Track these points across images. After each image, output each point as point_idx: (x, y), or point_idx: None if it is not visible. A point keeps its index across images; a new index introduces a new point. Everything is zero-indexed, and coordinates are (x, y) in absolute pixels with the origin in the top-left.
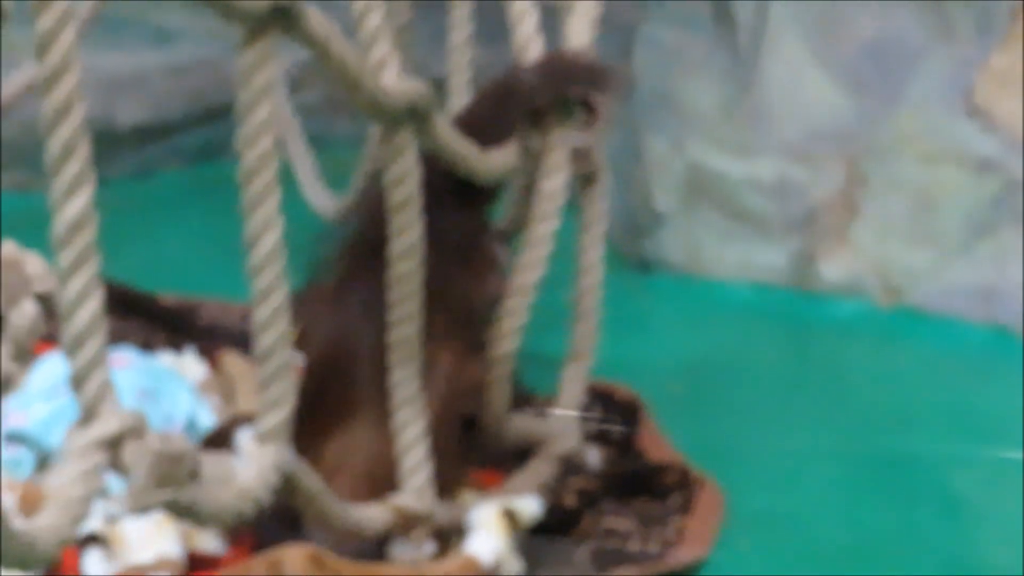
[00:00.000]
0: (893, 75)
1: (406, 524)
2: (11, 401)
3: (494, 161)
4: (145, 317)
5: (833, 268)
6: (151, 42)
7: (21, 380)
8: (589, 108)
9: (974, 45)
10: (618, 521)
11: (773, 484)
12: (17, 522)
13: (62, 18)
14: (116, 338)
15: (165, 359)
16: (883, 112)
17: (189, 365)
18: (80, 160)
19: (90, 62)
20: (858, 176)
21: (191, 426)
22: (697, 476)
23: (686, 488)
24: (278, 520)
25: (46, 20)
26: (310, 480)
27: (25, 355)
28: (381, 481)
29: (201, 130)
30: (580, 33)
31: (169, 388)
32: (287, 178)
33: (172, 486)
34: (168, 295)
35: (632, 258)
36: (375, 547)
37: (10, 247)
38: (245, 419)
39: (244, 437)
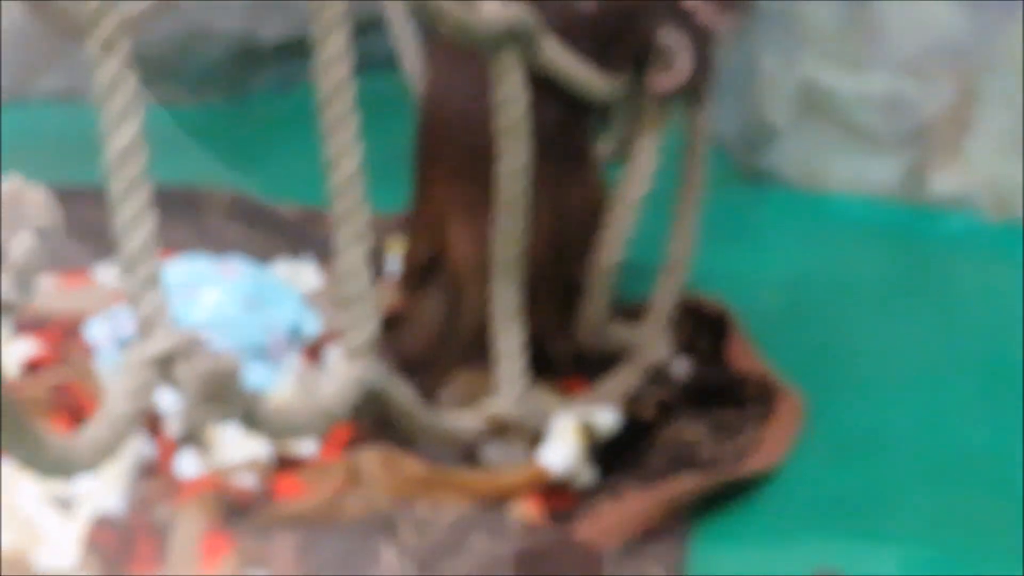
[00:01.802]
0: None
1: (499, 430)
2: (124, 312)
3: (604, 82)
4: (268, 226)
5: (943, 182)
6: None
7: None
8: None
9: None
10: (694, 430)
11: (865, 399)
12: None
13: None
14: (237, 247)
15: (282, 268)
16: (997, 27)
17: (305, 274)
18: (127, 92)
19: None
20: (970, 91)
21: (294, 333)
22: (780, 386)
23: (767, 398)
24: None
25: None
26: (400, 393)
27: (26, 285)
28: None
29: None
30: None
31: (275, 297)
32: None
33: (223, 403)
34: (291, 206)
35: (747, 171)
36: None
37: (13, 182)
38: None
39: (332, 354)
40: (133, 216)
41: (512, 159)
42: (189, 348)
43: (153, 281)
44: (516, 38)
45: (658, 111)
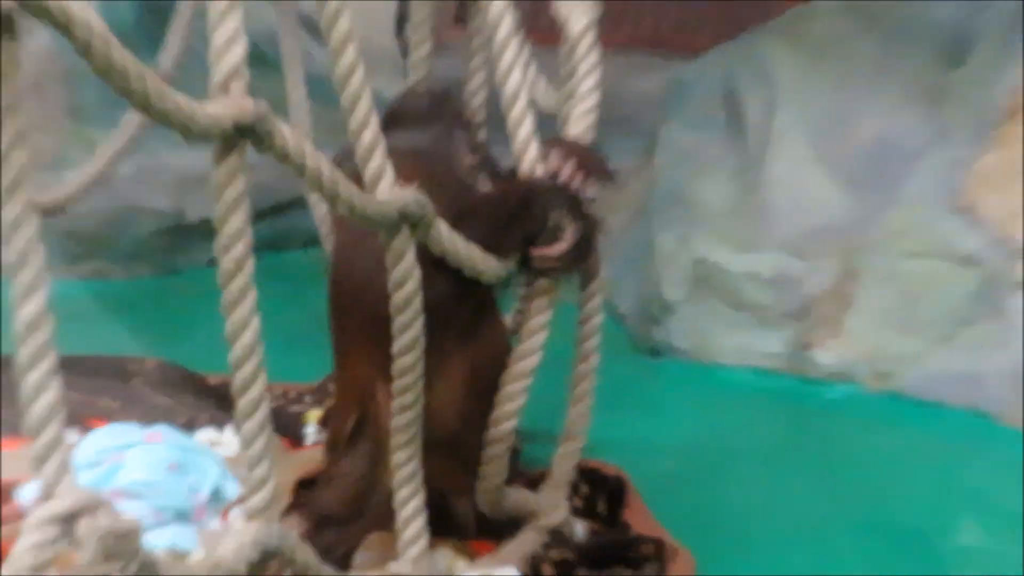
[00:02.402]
0: (890, 175)
1: None
2: None
3: (495, 264)
4: (193, 395)
5: (827, 355)
6: None
7: None
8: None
9: (969, 146)
10: None
11: (752, 559)
12: None
13: (15, 177)
14: (164, 415)
15: (206, 435)
16: (878, 210)
17: (228, 441)
18: (35, 266)
19: (161, 161)
20: (852, 270)
21: (216, 496)
22: (672, 547)
23: (661, 558)
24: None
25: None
26: (300, 553)
27: None
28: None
29: (266, 223)
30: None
31: (198, 462)
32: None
33: (122, 561)
34: (217, 375)
35: (644, 344)
36: None
37: None
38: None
39: (235, 513)
40: (38, 383)
41: (407, 333)
42: (90, 507)
43: (56, 444)
44: (409, 221)
45: (547, 286)
